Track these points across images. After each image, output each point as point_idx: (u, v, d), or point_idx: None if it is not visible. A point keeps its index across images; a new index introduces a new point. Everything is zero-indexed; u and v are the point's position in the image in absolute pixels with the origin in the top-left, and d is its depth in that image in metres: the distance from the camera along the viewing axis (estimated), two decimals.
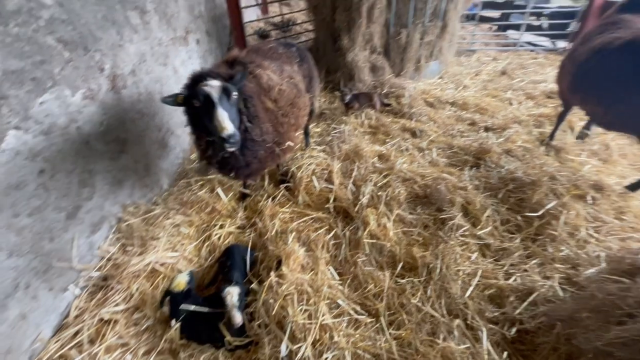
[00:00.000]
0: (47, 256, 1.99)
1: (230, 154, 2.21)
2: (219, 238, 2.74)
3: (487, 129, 4.30)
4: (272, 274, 2.25)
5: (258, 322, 2.04)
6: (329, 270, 2.42)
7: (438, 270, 2.36)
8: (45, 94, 1.98)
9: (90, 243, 2.34)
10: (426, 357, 1.87)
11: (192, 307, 2.04)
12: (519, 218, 2.82)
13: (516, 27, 8.38)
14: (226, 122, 1.89)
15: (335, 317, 2.10)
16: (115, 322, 2.03)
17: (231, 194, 3.18)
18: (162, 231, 2.62)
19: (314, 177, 3.17)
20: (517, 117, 4.46)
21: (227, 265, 2.33)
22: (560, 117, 3.54)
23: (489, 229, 2.72)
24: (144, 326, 2.06)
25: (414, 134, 4.25)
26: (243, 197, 3.18)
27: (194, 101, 1.97)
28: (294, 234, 2.64)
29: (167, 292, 2.14)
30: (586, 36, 3.21)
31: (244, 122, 2.14)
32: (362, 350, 1.91)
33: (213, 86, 1.96)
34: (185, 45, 4.03)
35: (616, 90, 2.81)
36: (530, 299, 2.17)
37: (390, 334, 2.04)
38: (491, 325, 2.07)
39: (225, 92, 1.97)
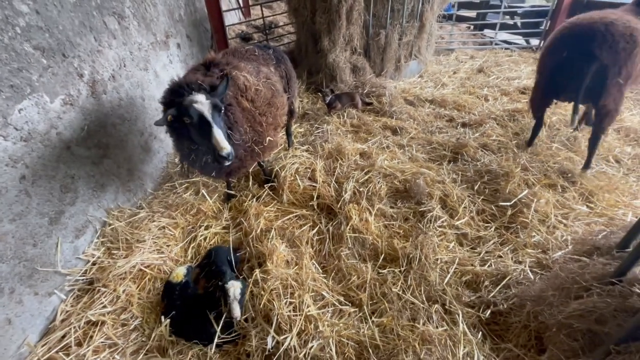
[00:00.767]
0: (31, 261, 2.00)
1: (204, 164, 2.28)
2: (205, 239, 2.78)
3: (464, 125, 4.47)
4: (257, 270, 2.32)
5: (245, 317, 2.10)
6: (313, 264, 2.50)
7: (417, 260, 2.48)
8: (24, 100, 1.99)
9: (74, 247, 2.35)
10: (407, 341, 1.96)
11: (192, 291, 2.22)
12: (494, 208, 2.97)
13: (492, 26, 8.67)
14: (224, 142, 1.95)
15: (320, 308, 2.18)
16: (103, 323, 2.06)
17: (216, 195, 3.22)
18: (147, 234, 2.65)
19: (297, 176, 3.24)
20: (492, 113, 4.65)
21: (212, 267, 2.36)
22: (536, 128, 3.70)
23: (465, 219, 2.85)
24: (132, 326, 2.09)
25: (394, 132, 4.38)
26: (228, 197, 3.23)
27: (185, 119, 1.98)
28: (274, 231, 2.71)
29: (166, 283, 2.24)
30: None
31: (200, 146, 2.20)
32: (346, 338, 2.00)
33: (204, 103, 1.98)
34: (166, 50, 4.05)
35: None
36: (504, 282, 2.30)
37: (373, 321, 2.13)
38: (467, 309, 2.19)
39: (216, 108, 2.02)
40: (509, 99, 5.14)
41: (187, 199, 3.09)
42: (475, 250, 2.65)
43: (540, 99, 3.50)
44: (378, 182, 3.17)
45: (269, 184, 3.27)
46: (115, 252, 2.49)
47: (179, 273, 2.23)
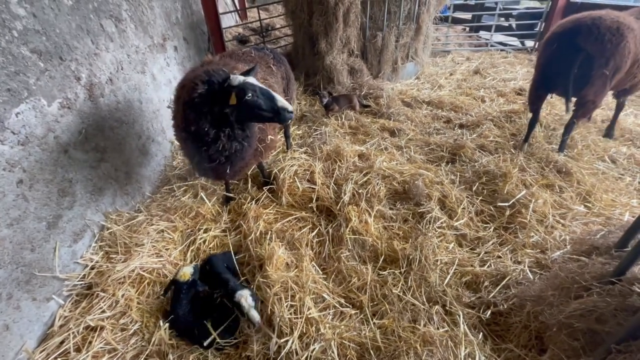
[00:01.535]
0: (29, 266, 1.98)
1: (226, 157, 2.26)
2: (204, 242, 2.77)
3: (461, 126, 4.50)
4: (258, 276, 2.31)
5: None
6: (313, 266, 2.50)
7: (417, 261, 2.48)
8: (21, 104, 1.97)
9: (72, 252, 2.33)
10: (408, 343, 1.96)
11: (201, 288, 2.23)
12: (492, 208, 2.99)
13: (487, 28, 8.75)
14: (286, 102, 2.11)
15: (320, 310, 2.17)
16: (102, 328, 2.03)
17: (215, 198, 3.21)
18: (146, 237, 2.63)
19: (296, 178, 3.24)
20: (489, 114, 4.68)
21: (213, 278, 2.33)
22: (532, 122, 3.77)
23: (464, 220, 2.87)
24: (132, 330, 2.07)
25: (392, 133, 4.39)
26: (227, 200, 3.22)
27: (248, 96, 2.04)
28: (271, 234, 2.70)
29: (173, 281, 2.21)
30: None
31: (235, 129, 2.21)
32: (348, 340, 1.99)
33: (251, 79, 2.10)
34: (163, 52, 4.04)
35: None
36: (503, 282, 2.31)
37: (374, 323, 2.13)
38: (468, 310, 2.19)
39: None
40: (505, 100, 5.19)
41: (185, 202, 3.08)
42: (475, 251, 2.66)
43: (534, 92, 3.60)
44: (377, 184, 3.17)
45: (268, 187, 3.26)
46: (113, 256, 2.47)
47: (186, 272, 2.21)
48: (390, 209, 3.02)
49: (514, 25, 8.42)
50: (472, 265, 2.49)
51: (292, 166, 3.36)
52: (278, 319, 2.04)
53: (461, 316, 2.11)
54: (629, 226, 2.00)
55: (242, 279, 2.45)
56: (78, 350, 1.96)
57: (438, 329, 2.04)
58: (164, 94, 3.90)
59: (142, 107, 3.38)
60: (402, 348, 1.92)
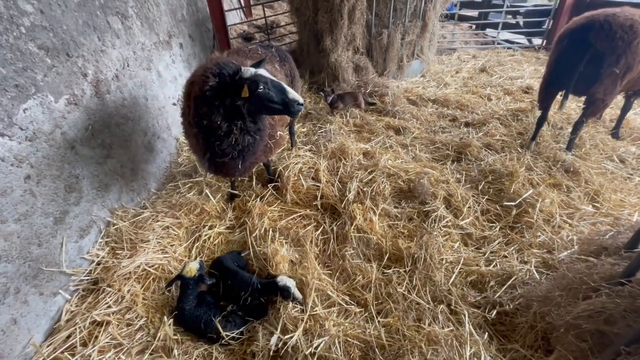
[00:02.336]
0: (36, 261, 1.99)
1: (238, 151, 2.27)
2: (209, 238, 2.77)
3: (467, 125, 4.46)
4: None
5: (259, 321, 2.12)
6: (317, 264, 2.49)
7: (422, 260, 2.46)
8: (29, 100, 1.99)
9: (79, 247, 2.35)
10: (413, 342, 1.95)
11: (209, 282, 2.25)
12: (498, 208, 2.96)
13: (494, 26, 8.66)
14: (296, 94, 2.11)
15: (325, 308, 2.17)
16: (108, 323, 2.05)
17: (219, 195, 3.21)
18: (151, 234, 2.64)
19: (301, 176, 3.23)
20: (495, 112, 4.63)
21: (228, 281, 2.29)
22: (540, 121, 3.72)
23: (470, 219, 2.84)
24: (137, 326, 2.08)
25: (397, 132, 4.36)
26: (232, 197, 3.22)
27: (260, 88, 2.03)
28: (277, 232, 2.70)
29: (179, 277, 2.21)
30: None
31: (247, 121, 2.20)
32: (352, 338, 1.99)
33: (262, 71, 2.09)
34: (169, 49, 4.05)
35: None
36: (509, 282, 2.29)
37: (378, 322, 2.12)
38: (473, 309, 2.18)
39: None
40: (512, 99, 5.13)
41: (190, 199, 3.09)
42: (480, 250, 2.64)
43: (544, 89, 3.55)
44: (382, 182, 3.16)
45: (273, 184, 3.26)
46: (119, 252, 2.48)
47: (192, 268, 2.20)
48: (395, 207, 3.01)
49: (521, 23, 8.32)
50: (477, 265, 2.47)
51: (296, 164, 3.36)
52: (284, 316, 2.04)
53: (466, 316, 2.10)
54: (638, 227, 1.97)
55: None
56: (84, 344, 1.97)
57: (443, 328, 2.03)
58: (169, 90, 3.91)
59: (147, 104, 3.39)
60: (406, 347, 1.91)
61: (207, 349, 2.03)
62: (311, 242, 2.67)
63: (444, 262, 2.47)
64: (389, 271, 2.46)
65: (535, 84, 5.44)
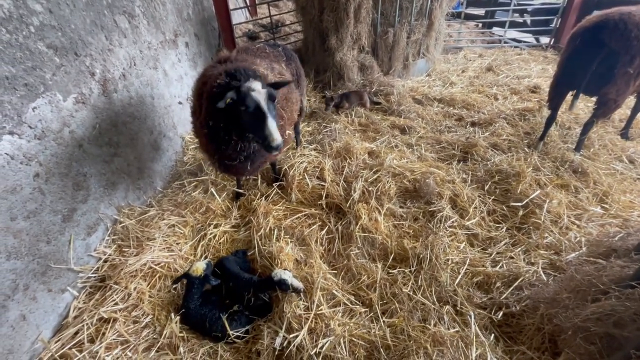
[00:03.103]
0: (45, 258, 2.02)
1: (245, 157, 2.26)
2: (214, 237, 2.78)
3: (473, 124, 4.43)
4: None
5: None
6: (323, 263, 2.49)
7: (428, 260, 2.45)
8: (38, 99, 2.01)
9: (86, 245, 2.37)
10: (418, 342, 1.94)
11: (215, 282, 2.24)
12: (505, 208, 2.93)
13: (501, 24, 8.57)
14: (277, 133, 1.91)
15: (330, 307, 2.17)
16: (115, 320, 2.07)
17: (225, 193, 3.22)
18: (157, 232, 2.66)
19: (306, 175, 3.23)
20: (502, 112, 4.59)
21: (230, 284, 2.30)
22: (549, 120, 3.68)
23: (476, 219, 2.82)
24: (143, 323, 2.10)
25: (403, 131, 4.34)
26: (237, 196, 3.23)
27: (241, 107, 1.92)
28: (282, 231, 2.71)
29: (186, 275, 2.22)
30: None
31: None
32: (357, 338, 1.99)
33: (261, 92, 1.92)
34: (175, 48, 4.06)
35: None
36: (516, 284, 2.27)
37: (384, 322, 2.11)
38: (479, 310, 2.16)
39: (271, 97, 1.98)
40: (519, 98, 5.08)
41: (196, 198, 3.10)
42: (487, 251, 2.62)
43: (554, 88, 3.51)
44: (387, 182, 3.14)
45: (278, 183, 3.26)
46: (126, 249, 2.50)
47: (199, 267, 2.20)
48: (401, 207, 3.00)
49: (528, 21, 8.23)
50: (483, 266, 2.45)
51: (301, 163, 3.36)
52: (289, 316, 2.04)
53: (472, 317, 2.08)
54: None
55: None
56: (92, 341, 1.99)
57: (449, 329, 2.02)
58: (175, 89, 3.93)
59: (154, 103, 3.41)
60: (412, 347, 1.91)
61: (212, 347, 2.04)
62: (316, 241, 2.67)
63: (449, 262, 2.45)
64: (394, 271, 2.45)
65: (542, 83, 5.38)
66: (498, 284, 2.31)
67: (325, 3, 5.05)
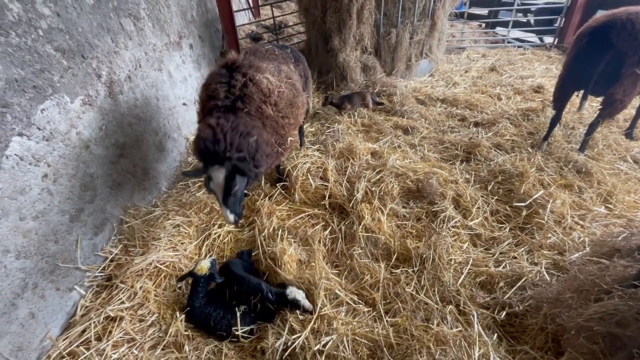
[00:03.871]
0: (53, 257, 2.06)
1: None
2: (219, 237, 2.81)
3: (477, 124, 4.42)
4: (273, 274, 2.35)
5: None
6: (326, 263, 2.51)
7: (431, 260, 2.46)
8: (46, 101, 2.04)
9: (93, 244, 2.41)
10: (421, 342, 1.95)
11: (219, 280, 2.28)
12: (508, 208, 2.93)
13: (504, 24, 8.54)
14: (228, 218, 2.14)
15: (333, 307, 2.18)
16: (121, 319, 2.10)
17: None
18: (162, 232, 2.69)
19: (309, 175, 3.25)
20: (505, 112, 4.58)
21: (238, 287, 2.29)
22: (554, 121, 3.67)
23: (479, 219, 2.83)
24: (149, 321, 2.13)
25: (406, 131, 4.35)
26: None
27: (206, 189, 2.12)
28: (285, 232, 2.72)
29: (191, 274, 2.25)
30: None
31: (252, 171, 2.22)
32: (360, 337, 2.00)
33: (218, 181, 2.07)
34: (179, 50, 4.11)
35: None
36: (519, 284, 2.27)
37: (387, 321, 2.13)
38: (482, 310, 2.17)
39: (232, 176, 2.07)
40: (523, 98, 5.07)
41: (200, 198, 3.13)
42: (490, 251, 2.62)
43: (560, 89, 3.49)
44: (390, 182, 3.15)
45: (281, 183, 3.28)
46: (132, 249, 2.54)
47: (204, 266, 2.23)
48: (404, 207, 3.01)
49: (532, 21, 8.19)
50: (486, 266, 2.46)
51: (305, 163, 3.38)
52: (290, 318, 2.06)
53: (475, 316, 2.09)
54: None
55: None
56: (99, 339, 2.03)
57: (452, 328, 2.03)
58: (179, 91, 3.97)
59: (158, 104, 3.45)
60: (414, 347, 1.92)
61: (217, 345, 2.06)
62: (319, 241, 2.69)
63: (452, 262, 2.46)
64: (397, 271, 2.47)
65: (546, 83, 5.36)
66: (501, 284, 2.32)
67: (328, 4, 5.07)
